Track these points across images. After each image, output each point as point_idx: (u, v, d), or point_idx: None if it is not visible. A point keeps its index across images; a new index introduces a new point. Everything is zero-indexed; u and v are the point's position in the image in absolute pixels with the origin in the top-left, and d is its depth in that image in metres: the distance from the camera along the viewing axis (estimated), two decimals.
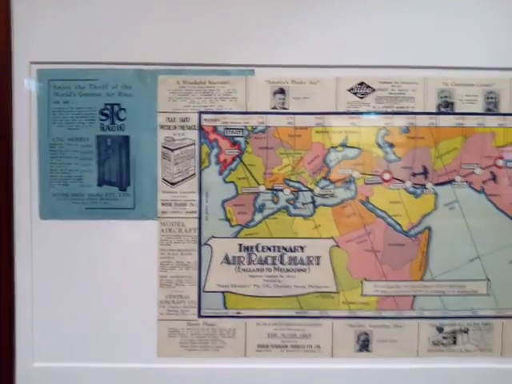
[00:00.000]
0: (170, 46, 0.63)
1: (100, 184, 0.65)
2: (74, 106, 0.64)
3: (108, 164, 0.64)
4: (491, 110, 0.65)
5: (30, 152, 0.64)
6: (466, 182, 0.65)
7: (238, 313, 0.66)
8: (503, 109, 0.65)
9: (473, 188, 0.65)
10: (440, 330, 0.67)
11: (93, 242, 0.65)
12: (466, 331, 0.67)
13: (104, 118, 0.64)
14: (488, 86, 0.65)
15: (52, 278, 0.65)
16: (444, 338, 0.67)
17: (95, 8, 0.63)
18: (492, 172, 0.65)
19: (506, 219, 0.65)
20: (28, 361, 0.65)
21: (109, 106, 0.64)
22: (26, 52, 0.63)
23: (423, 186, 0.65)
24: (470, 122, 0.65)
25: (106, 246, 0.65)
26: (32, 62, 0.63)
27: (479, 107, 0.65)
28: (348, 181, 0.65)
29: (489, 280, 0.66)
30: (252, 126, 0.64)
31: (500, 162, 0.65)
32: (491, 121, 0.65)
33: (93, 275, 0.65)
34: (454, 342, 0.67)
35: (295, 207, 0.65)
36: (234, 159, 0.64)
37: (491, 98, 0.65)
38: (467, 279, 0.66)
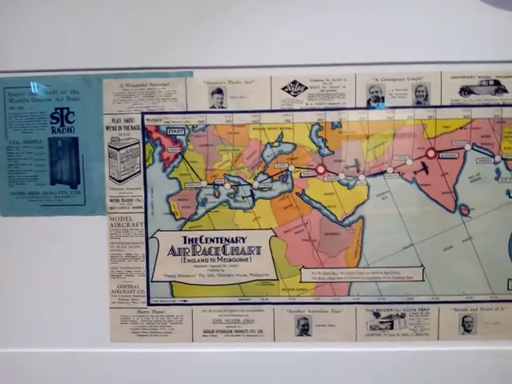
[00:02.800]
0: (113, 51, 0.68)
1: (53, 183, 0.69)
2: (28, 111, 0.69)
3: (59, 164, 0.69)
4: (421, 102, 0.67)
5: None
6: (398, 173, 0.68)
7: (185, 301, 0.70)
8: (433, 101, 0.67)
9: (404, 179, 0.68)
10: (377, 315, 0.70)
11: (48, 236, 0.70)
12: (402, 316, 0.70)
13: (55, 121, 0.69)
14: (417, 79, 0.67)
15: (12, 270, 0.70)
16: (381, 322, 0.70)
17: (43, 19, 0.67)
18: (423, 163, 0.68)
19: (438, 208, 0.68)
20: None
21: (59, 110, 0.69)
22: None
23: (356, 177, 0.68)
24: (400, 115, 0.67)
25: (61, 241, 0.70)
26: None
27: (409, 101, 0.67)
28: (284, 174, 0.69)
29: (424, 267, 0.69)
30: (192, 125, 0.68)
31: (431, 153, 0.68)
32: (421, 113, 0.67)
33: (49, 267, 0.70)
34: (391, 327, 0.70)
35: (236, 201, 0.69)
36: (176, 157, 0.69)
37: (421, 91, 0.67)
38: (402, 266, 0.69)
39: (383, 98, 0.67)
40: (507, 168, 0.68)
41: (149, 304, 0.70)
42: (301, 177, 0.69)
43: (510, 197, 0.68)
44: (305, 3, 0.67)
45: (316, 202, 0.69)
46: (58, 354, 0.70)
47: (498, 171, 0.68)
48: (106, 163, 0.69)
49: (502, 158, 0.68)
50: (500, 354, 0.69)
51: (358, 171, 0.68)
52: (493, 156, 0.67)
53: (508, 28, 0.66)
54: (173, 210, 0.69)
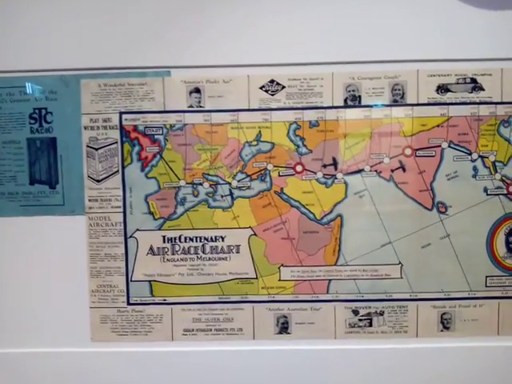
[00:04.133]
0: (91, 51, 0.68)
1: (32, 183, 0.69)
2: (6, 112, 0.69)
3: (38, 164, 0.69)
4: (398, 101, 0.68)
5: None
6: (375, 171, 0.68)
7: (164, 300, 0.70)
8: (410, 99, 0.68)
9: (382, 177, 0.68)
10: (356, 312, 0.70)
11: (28, 236, 0.70)
12: (381, 314, 0.70)
13: (33, 121, 0.69)
14: (394, 78, 0.68)
15: None
16: (360, 320, 0.70)
17: (20, 19, 0.67)
18: (400, 161, 0.68)
19: (415, 206, 0.69)
20: None
21: (37, 111, 0.69)
22: None
23: (334, 176, 0.69)
24: (376, 113, 0.68)
25: (40, 241, 0.70)
26: None
27: (386, 99, 0.68)
28: (263, 173, 0.69)
29: (402, 264, 0.69)
30: (170, 124, 0.68)
31: (408, 151, 0.68)
32: (398, 112, 0.68)
33: (29, 267, 0.70)
34: (370, 324, 0.70)
35: (214, 200, 0.69)
36: (154, 156, 0.69)
37: (397, 89, 0.68)
38: (380, 263, 0.69)
39: (360, 96, 0.68)
40: (484, 165, 0.68)
41: (128, 303, 0.70)
42: (279, 175, 0.69)
43: (487, 194, 0.68)
44: (282, 2, 0.67)
45: (294, 200, 0.69)
46: (38, 353, 0.71)
47: (475, 169, 0.68)
48: (85, 163, 0.69)
49: (479, 156, 0.68)
50: (478, 351, 0.70)
51: (335, 170, 0.69)
52: (470, 153, 0.68)
53: (484, 26, 0.67)
54: (151, 209, 0.69)
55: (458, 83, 0.67)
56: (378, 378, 0.70)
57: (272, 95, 0.68)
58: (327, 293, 0.70)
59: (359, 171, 0.68)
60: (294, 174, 0.69)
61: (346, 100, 0.68)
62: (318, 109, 0.68)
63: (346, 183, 0.69)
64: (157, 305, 0.70)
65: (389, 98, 0.68)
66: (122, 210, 0.69)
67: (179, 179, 0.69)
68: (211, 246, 0.70)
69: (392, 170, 0.68)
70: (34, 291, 0.70)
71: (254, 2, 0.67)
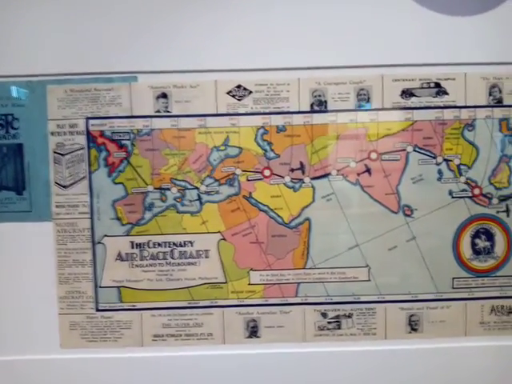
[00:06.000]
0: (57, 57, 0.67)
1: None
2: None
3: (5, 170, 0.69)
4: (363, 106, 0.68)
5: None
6: (342, 175, 0.69)
7: (134, 306, 0.70)
8: (375, 104, 0.69)
9: (348, 180, 0.69)
10: (324, 315, 0.71)
11: None
12: (349, 316, 0.71)
13: None
14: (359, 83, 0.68)
15: None
16: (329, 322, 0.71)
17: None
18: (366, 165, 0.69)
19: (381, 209, 0.69)
20: None
21: (3, 117, 0.68)
22: None
23: (301, 180, 0.69)
24: (342, 118, 0.68)
25: (8, 247, 0.69)
26: None
27: (351, 104, 0.68)
28: (231, 178, 0.69)
29: (369, 267, 0.70)
30: (137, 130, 0.68)
31: (373, 155, 0.69)
32: (363, 116, 0.69)
33: None
34: (339, 327, 0.71)
35: (183, 205, 0.69)
36: (121, 161, 0.69)
37: (363, 94, 0.68)
38: (348, 266, 0.70)
39: (326, 101, 0.68)
40: (449, 169, 0.69)
41: (97, 310, 0.70)
42: (247, 180, 0.69)
43: (452, 197, 0.69)
44: (248, 8, 0.67)
45: (263, 204, 0.69)
46: (6, 362, 0.70)
47: (440, 172, 0.69)
48: (51, 169, 0.69)
49: (444, 159, 0.69)
50: (446, 352, 0.71)
51: (303, 174, 0.69)
52: (434, 157, 0.69)
53: (448, 31, 0.68)
54: (119, 215, 0.69)
55: (422, 88, 0.68)
56: (347, 380, 0.70)
57: (239, 100, 0.68)
58: (296, 296, 0.70)
59: (326, 175, 0.69)
60: (262, 179, 0.69)
61: (312, 105, 0.68)
62: (284, 114, 0.69)
63: (313, 187, 0.69)
64: (126, 311, 0.70)
65: (354, 103, 0.68)
66: (89, 215, 0.69)
67: (147, 184, 0.69)
68: (180, 251, 0.70)
69: (358, 174, 0.69)
70: (2, 298, 0.70)
71: (221, 7, 0.67)
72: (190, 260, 0.70)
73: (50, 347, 0.70)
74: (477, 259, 0.70)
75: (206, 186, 0.69)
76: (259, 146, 0.69)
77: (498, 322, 0.71)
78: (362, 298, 0.71)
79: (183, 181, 0.69)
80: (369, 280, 0.70)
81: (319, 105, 0.68)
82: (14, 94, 0.68)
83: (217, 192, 0.69)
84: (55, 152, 0.69)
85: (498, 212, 0.70)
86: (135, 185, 0.69)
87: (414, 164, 0.69)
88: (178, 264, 0.70)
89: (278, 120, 0.69)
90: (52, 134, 0.68)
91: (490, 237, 0.70)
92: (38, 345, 0.70)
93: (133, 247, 0.69)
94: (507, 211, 0.70)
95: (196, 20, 0.67)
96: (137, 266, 0.70)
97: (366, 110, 0.68)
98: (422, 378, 0.71)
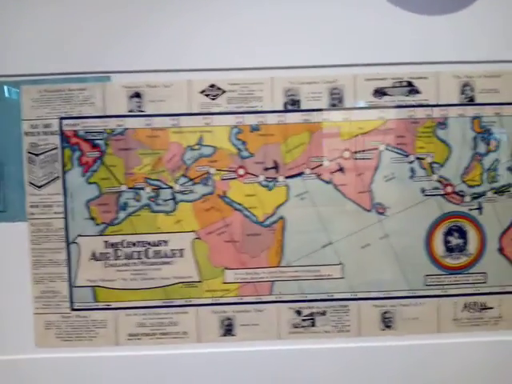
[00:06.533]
0: (30, 57, 0.67)
1: None
2: None
3: None
4: (336, 105, 0.69)
5: None
6: (315, 173, 0.69)
7: (108, 305, 0.70)
8: (347, 103, 0.69)
9: (322, 179, 0.70)
10: (299, 313, 0.71)
11: None
12: (323, 313, 0.71)
13: None
14: (332, 82, 0.69)
15: None
16: (303, 320, 0.71)
17: None
18: (339, 163, 0.69)
19: (354, 207, 0.70)
20: None
21: None
22: None
23: (275, 179, 0.69)
24: (315, 117, 0.69)
25: None
26: None
27: (324, 103, 0.69)
28: (206, 177, 0.69)
29: (343, 264, 0.70)
30: (111, 129, 0.68)
31: (346, 154, 0.69)
32: (336, 115, 0.69)
33: None
34: (313, 324, 0.71)
35: (157, 204, 0.69)
36: (95, 161, 0.69)
37: (336, 93, 0.69)
38: (321, 264, 0.70)
39: (299, 100, 0.69)
40: (421, 167, 0.70)
41: (72, 309, 0.70)
42: (222, 179, 0.69)
43: (424, 195, 0.70)
44: (222, 8, 0.68)
45: (237, 203, 0.70)
46: None
47: (412, 170, 0.70)
48: (26, 169, 0.69)
49: (416, 158, 0.70)
50: (420, 349, 0.71)
51: (277, 173, 0.69)
52: (407, 155, 0.69)
53: (419, 30, 0.68)
54: (93, 214, 0.69)
55: (394, 87, 0.69)
56: (322, 377, 0.71)
57: (213, 99, 0.69)
58: (271, 294, 0.71)
59: (300, 174, 0.69)
60: (236, 178, 0.69)
61: (285, 104, 0.69)
62: (258, 113, 0.69)
63: (287, 186, 0.69)
64: (101, 310, 0.70)
65: (327, 102, 0.69)
66: (63, 215, 0.69)
67: (120, 184, 0.69)
68: (154, 251, 0.70)
69: (331, 173, 0.69)
70: None
71: (194, 7, 0.67)
72: (165, 259, 0.70)
73: (26, 347, 0.70)
74: (449, 256, 0.71)
75: (181, 185, 0.69)
76: (233, 145, 0.69)
77: (470, 318, 0.72)
78: (336, 296, 0.71)
79: (157, 180, 0.69)
80: (342, 278, 0.71)
81: (292, 104, 0.69)
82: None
83: (191, 191, 0.69)
84: (29, 152, 0.69)
85: (470, 210, 0.71)
86: (109, 184, 0.69)
87: (386, 162, 0.69)
88: (153, 263, 0.70)
89: (251, 119, 0.69)
90: (26, 134, 0.68)
91: (462, 234, 0.71)
92: (13, 344, 0.70)
93: (107, 247, 0.70)
94: (480, 209, 0.71)
95: (169, 20, 0.68)
96: (111, 265, 0.70)
97: (339, 109, 0.69)
98: (396, 374, 0.71)
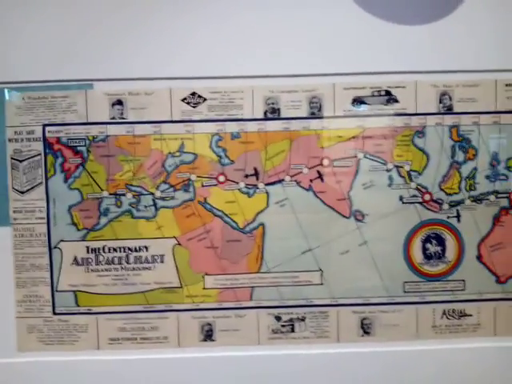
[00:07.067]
0: (14, 64, 0.69)
1: None
2: None
3: None
4: (315, 113, 0.70)
5: None
6: (295, 181, 0.70)
7: (89, 310, 0.71)
8: (327, 112, 0.70)
9: (301, 186, 0.70)
10: (278, 318, 0.72)
11: None
12: (303, 319, 0.72)
13: None
14: (311, 91, 0.70)
15: None
16: (282, 326, 0.72)
17: None
18: (318, 171, 0.70)
19: (333, 214, 0.71)
20: None
21: None
22: None
23: (255, 186, 0.70)
24: (295, 125, 0.70)
25: None
26: None
27: (304, 112, 0.70)
28: (186, 184, 0.70)
29: (322, 271, 0.71)
30: (93, 136, 0.69)
31: (325, 162, 0.70)
32: (315, 124, 0.70)
33: None
34: (292, 330, 0.72)
35: (138, 210, 0.70)
36: (77, 167, 0.70)
37: (315, 102, 0.70)
38: (301, 270, 0.71)
39: (279, 109, 0.70)
40: (399, 175, 0.70)
41: (54, 313, 0.71)
42: (202, 186, 0.70)
43: (403, 202, 0.71)
44: (203, 18, 0.69)
45: (218, 210, 0.71)
46: None
47: (390, 178, 0.70)
48: (9, 175, 0.70)
49: (395, 166, 0.70)
50: (398, 355, 0.72)
51: (257, 180, 0.70)
52: (385, 164, 0.70)
53: (398, 40, 0.69)
54: (75, 220, 0.70)
55: (373, 96, 0.70)
56: (300, 382, 0.72)
57: (194, 107, 0.70)
58: (251, 300, 0.71)
59: (280, 181, 0.70)
60: (216, 185, 0.70)
61: (265, 112, 0.70)
62: (239, 121, 0.70)
63: (267, 193, 0.70)
64: (82, 314, 0.71)
65: (307, 111, 0.70)
66: (45, 221, 0.70)
67: (102, 190, 0.70)
68: (135, 256, 0.71)
69: (311, 180, 0.70)
70: None
71: (175, 17, 0.69)
72: (145, 265, 0.71)
73: (7, 350, 0.71)
74: (428, 264, 0.72)
75: (161, 191, 0.70)
76: (214, 152, 0.70)
77: (449, 325, 0.73)
78: (315, 302, 0.72)
79: (138, 186, 0.70)
80: (321, 284, 0.71)
81: (272, 112, 0.70)
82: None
83: (172, 197, 0.70)
84: (13, 158, 0.70)
85: (448, 217, 0.71)
86: (91, 190, 0.70)
87: (365, 170, 0.70)
88: (134, 269, 0.71)
89: (232, 127, 0.70)
90: (10, 140, 0.69)
91: (440, 242, 0.72)
92: None
93: (88, 252, 0.70)
94: (458, 217, 0.71)
95: (151, 29, 0.69)
96: (92, 270, 0.71)
97: (318, 118, 0.70)
98: (375, 381, 0.72)
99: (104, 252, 0.71)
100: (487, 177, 0.71)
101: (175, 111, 0.70)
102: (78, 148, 0.69)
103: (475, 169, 0.71)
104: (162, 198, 0.70)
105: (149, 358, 0.71)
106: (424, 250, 0.72)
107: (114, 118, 0.69)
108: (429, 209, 0.71)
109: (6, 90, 0.69)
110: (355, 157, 0.70)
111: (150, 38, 0.69)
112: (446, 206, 0.71)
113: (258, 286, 0.71)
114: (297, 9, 0.68)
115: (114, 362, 0.71)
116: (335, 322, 0.72)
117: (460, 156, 0.71)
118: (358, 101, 0.70)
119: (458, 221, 0.71)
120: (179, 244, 0.71)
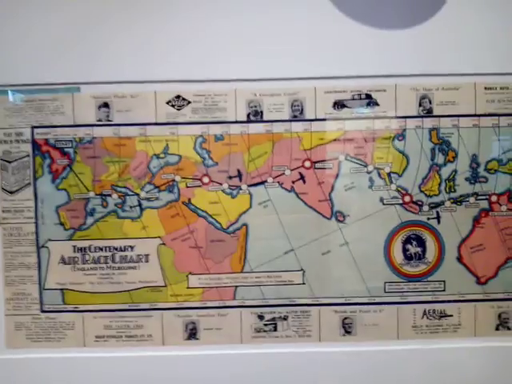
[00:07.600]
0: (2, 68, 0.70)
1: None
2: None
3: None
4: (297, 116, 0.71)
5: None
6: (278, 182, 0.72)
7: (76, 308, 0.73)
8: (308, 115, 0.71)
9: (284, 188, 0.72)
10: (261, 317, 0.73)
11: None
12: (285, 318, 0.73)
13: None
14: (293, 94, 0.71)
15: None
16: (265, 325, 0.73)
17: None
18: (300, 173, 0.72)
19: (315, 215, 0.72)
20: None
21: None
22: None
23: (239, 187, 0.72)
24: (277, 128, 0.71)
25: None
26: None
27: (286, 114, 0.71)
28: (171, 185, 0.72)
29: (304, 270, 0.72)
30: (80, 138, 0.71)
31: (307, 164, 0.72)
32: (297, 126, 0.71)
33: None
34: (275, 329, 0.73)
35: (123, 210, 0.72)
36: (64, 168, 0.71)
37: (296, 105, 0.71)
38: (283, 270, 0.72)
39: (262, 112, 0.71)
40: (380, 177, 0.72)
41: (42, 311, 0.73)
42: (187, 187, 0.72)
43: (383, 204, 0.72)
44: (187, 20, 0.70)
45: (202, 210, 0.72)
46: None
47: (371, 180, 0.72)
48: None
49: (375, 168, 0.72)
50: (379, 355, 0.73)
51: (240, 181, 0.72)
52: (366, 166, 0.71)
53: (378, 44, 0.70)
54: (62, 220, 0.72)
55: (353, 99, 0.71)
56: (282, 381, 0.73)
57: (178, 110, 0.71)
58: (234, 299, 0.73)
59: (263, 182, 0.72)
60: (200, 186, 0.72)
61: (248, 115, 0.71)
62: (222, 123, 0.71)
63: (250, 194, 0.72)
64: (69, 312, 0.73)
65: (289, 114, 0.71)
66: (34, 220, 0.72)
67: (88, 190, 0.71)
68: (121, 256, 0.72)
69: (293, 182, 0.72)
70: None
71: (159, 20, 0.70)
72: (131, 264, 0.73)
73: None
74: (408, 264, 0.73)
75: (146, 192, 0.72)
76: (198, 154, 0.72)
77: (429, 325, 0.74)
78: (297, 301, 0.73)
79: (124, 187, 0.72)
80: (303, 283, 0.73)
81: (255, 115, 0.71)
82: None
83: (157, 198, 0.72)
84: (2, 159, 0.71)
85: (428, 219, 0.72)
86: (77, 191, 0.71)
87: (345, 172, 0.71)
88: (119, 268, 0.73)
89: (215, 129, 0.71)
90: None
91: (421, 243, 0.73)
92: None
93: (75, 251, 0.72)
94: (438, 218, 0.72)
95: (136, 32, 0.70)
96: (79, 269, 0.72)
97: (300, 121, 0.71)
98: (356, 380, 0.73)
99: (90, 251, 0.72)
100: (467, 179, 0.72)
101: (160, 114, 0.71)
102: (66, 149, 0.71)
103: (455, 171, 0.72)
104: (147, 199, 0.72)
105: (133, 356, 0.73)
106: (404, 250, 0.73)
107: (100, 120, 0.71)
108: (409, 210, 0.72)
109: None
110: (336, 159, 0.71)
111: (136, 43, 0.70)
112: (426, 208, 0.72)
113: (241, 285, 0.73)
114: (279, 14, 0.70)
115: (99, 360, 0.73)
116: (317, 322, 0.73)
117: (440, 158, 0.72)
118: (338, 104, 0.71)
119: (438, 222, 0.72)
120: (164, 244, 0.72)
